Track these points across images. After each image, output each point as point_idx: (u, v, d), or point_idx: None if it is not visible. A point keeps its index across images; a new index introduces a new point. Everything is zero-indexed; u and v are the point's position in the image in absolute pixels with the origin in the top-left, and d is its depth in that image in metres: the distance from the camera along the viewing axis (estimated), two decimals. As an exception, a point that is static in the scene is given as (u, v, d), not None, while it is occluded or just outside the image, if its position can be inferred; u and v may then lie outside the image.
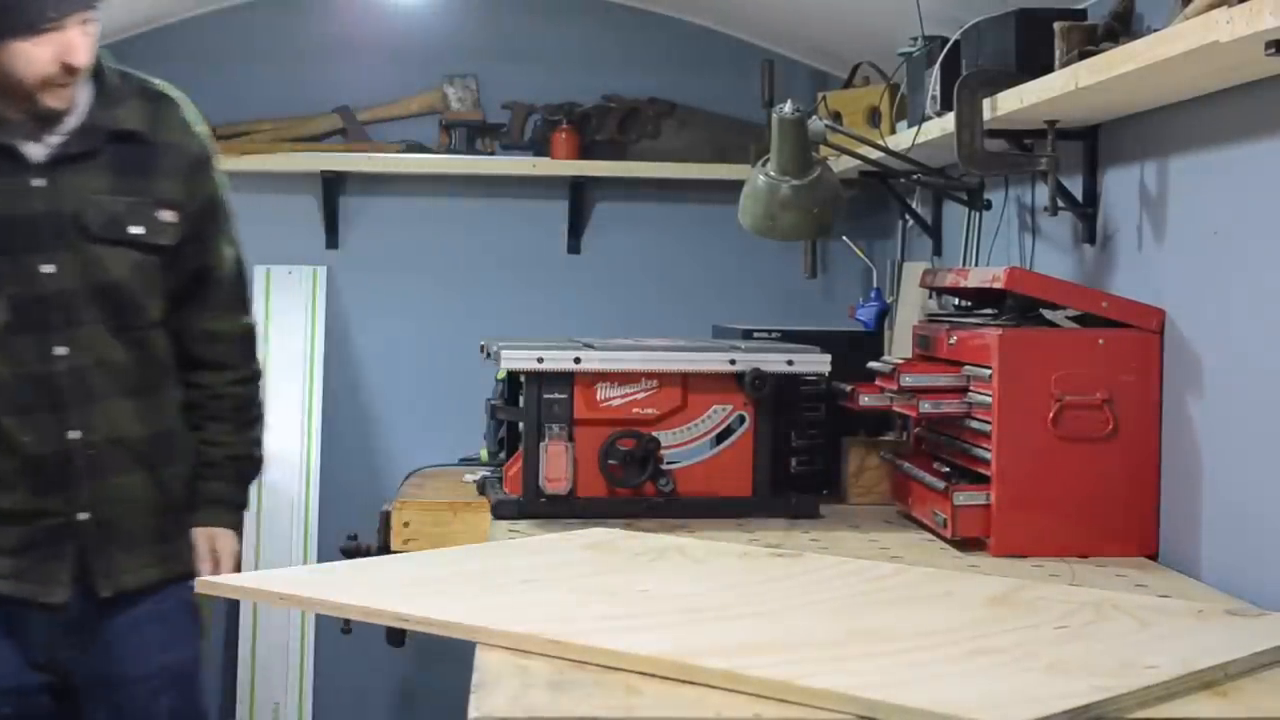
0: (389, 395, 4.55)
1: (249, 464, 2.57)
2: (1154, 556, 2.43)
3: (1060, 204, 2.68)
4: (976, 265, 3.32)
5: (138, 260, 2.38)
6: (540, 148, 4.46)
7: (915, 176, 3.31)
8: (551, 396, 2.75)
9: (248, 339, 2.58)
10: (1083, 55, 2.36)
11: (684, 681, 1.58)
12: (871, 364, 2.84)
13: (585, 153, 4.43)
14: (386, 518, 3.30)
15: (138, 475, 2.39)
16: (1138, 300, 2.48)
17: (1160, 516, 2.45)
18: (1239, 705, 1.55)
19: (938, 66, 3.03)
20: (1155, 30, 2.18)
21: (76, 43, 2.27)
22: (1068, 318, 2.54)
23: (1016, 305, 2.54)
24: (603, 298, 4.49)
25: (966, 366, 2.57)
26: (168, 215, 2.40)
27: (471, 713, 1.49)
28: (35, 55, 2.24)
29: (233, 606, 4.38)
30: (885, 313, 3.91)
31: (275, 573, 2.56)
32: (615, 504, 2.74)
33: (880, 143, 3.23)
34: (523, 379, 2.77)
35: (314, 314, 4.49)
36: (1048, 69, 2.47)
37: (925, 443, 2.83)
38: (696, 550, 2.33)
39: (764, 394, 2.79)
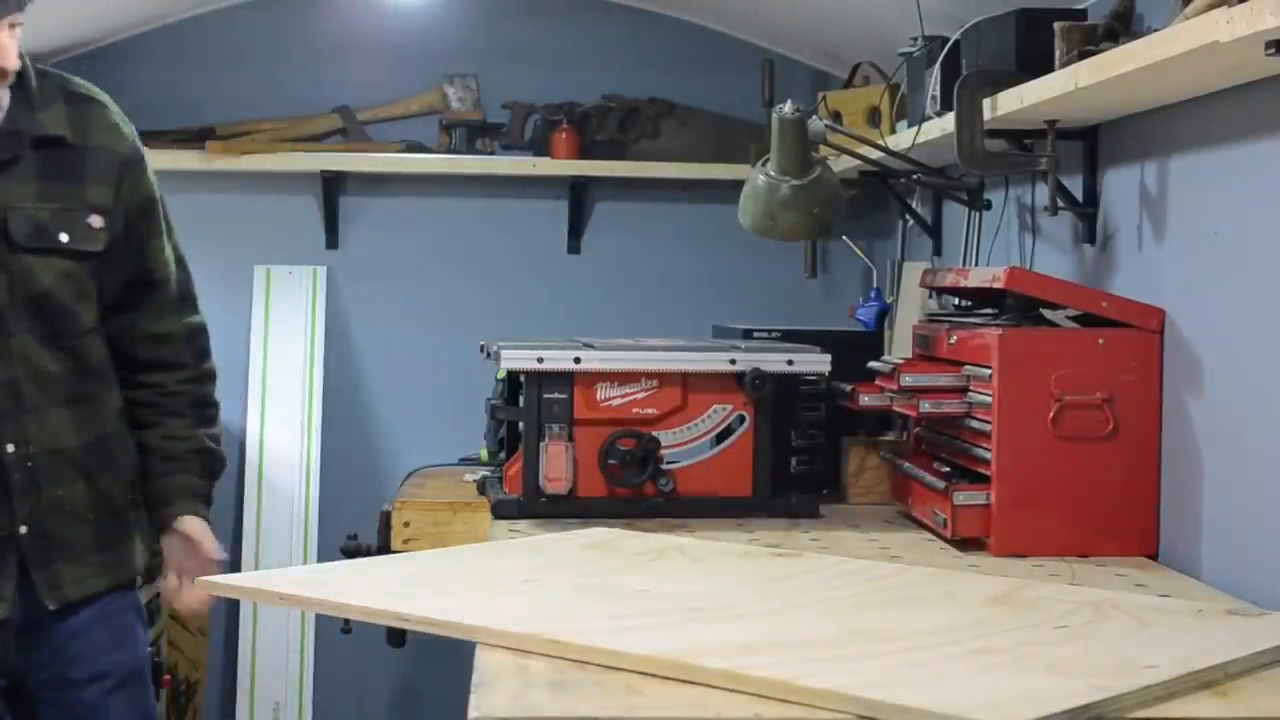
0: (389, 395, 4.56)
1: (212, 459, 2.50)
2: (1154, 556, 2.43)
3: (1060, 204, 2.68)
4: (976, 265, 3.32)
5: (67, 268, 2.31)
6: (540, 148, 4.46)
7: (915, 176, 3.31)
8: (551, 396, 2.75)
9: (197, 337, 2.51)
10: (1083, 55, 2.36)
11: (684, 681, 1.58)
12: (871, 364, 2.85)
13: (585, 153, 4.43)
14: (386, 518, 3.30)
15: (78, 485, 2.33)
16: (1138, 300, 2.48)
17: (1160, 516, 2.45)
18: (1239, 705, 1.55)
19: (938, 66, 3.03)
20: (1155, 30, 2.18)
21: (6, 45, 2.21)
22: (1068, 318, 2.54)
23: (1016, 305, 2.54)
24: (603, 298, 4.49)
25: (966, 366, 2.57)
26: (97, 221, 2.33)
27: (471, 713, 1.49)
28: None
29: (232, 606, 4.37)
30: (885, 313, 3.91)
31: (275, 573, 2.54)
32: (615, 504, 2.74)
33: (880, 143, 3.23)
34: (523, 379, 2.77)
35: (314, 314, 4.49)
36: (1048, 69, 2.47)
37: (925, 443, 2.83)
38: (696, 550, 2.33)
39: (764, 394, 2.79)
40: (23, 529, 2.28)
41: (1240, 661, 1.67)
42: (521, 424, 2.79)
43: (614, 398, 2.78)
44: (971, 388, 2.54)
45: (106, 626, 2.40)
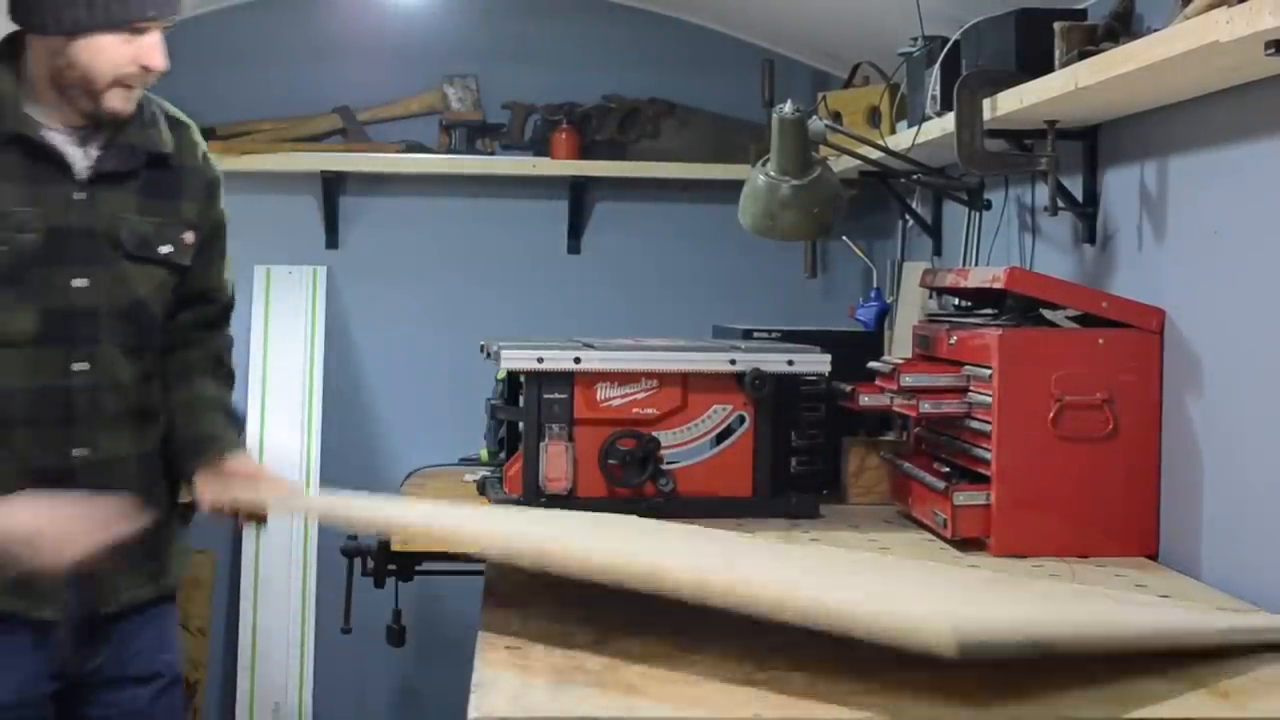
0: (389, 395, 4.55)
1: (240, 421, 2.58)
2: (1154, 556, 2.44)
3: (1060, 204, 2.68)
4: (976, 265, 3.32)
5: (162, 279, 2.39)
6: (540, 148, 4.46)
7: (915, 176, 3.31)
8: (551, 396, 2.75)
9: (229, 347, 2.60)
10: (1083, 55, 2.37)
11: (681, 674, 1.58)
12: (871, 364, 2.85)
13: (585, 153, 4.43)
14: (386, 518, 3.30)
15: (134, 495, 2.37)
16: (1138, 300, 2.48)
17: (1160, 516, 2.45)
18: (1239, 705, 1.55)
19: (938, 66, 3.03)
20: (1155, 30, 2.18)
21: (158, 47, 2.28)
22: (1068, 318, 2.54)
23: (1016, 305, 2.54)
24: (603, 298, 4.49)
25: (966, 366, 2.57)
26: (189, 236, 2.42)
27: (471, 713, 1.49)
28: (118, 52, 2.24)
29: (233, 607, 4.38)
30: (885, 313, 3.91)
31: (346, 497, 2.50)
32: (615, 504, 2.74)
33: (880, 143, 3.23)
34: (523, 379, 2.78)
35: (314, 314, 4.49)
36: (1048, 69, 2.47)
37: (925, 443, 2.83)
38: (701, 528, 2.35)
39: (764, 394, 2.79)
40: None
41: (1209, 634, 1.68)
42: (521, 424, 2.79)
43: (614, 398, 2.78)
44: (971, 388, 2.54)
45: (156, 629, 2.47)
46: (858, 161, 3.28)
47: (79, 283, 2.30)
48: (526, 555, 1.89)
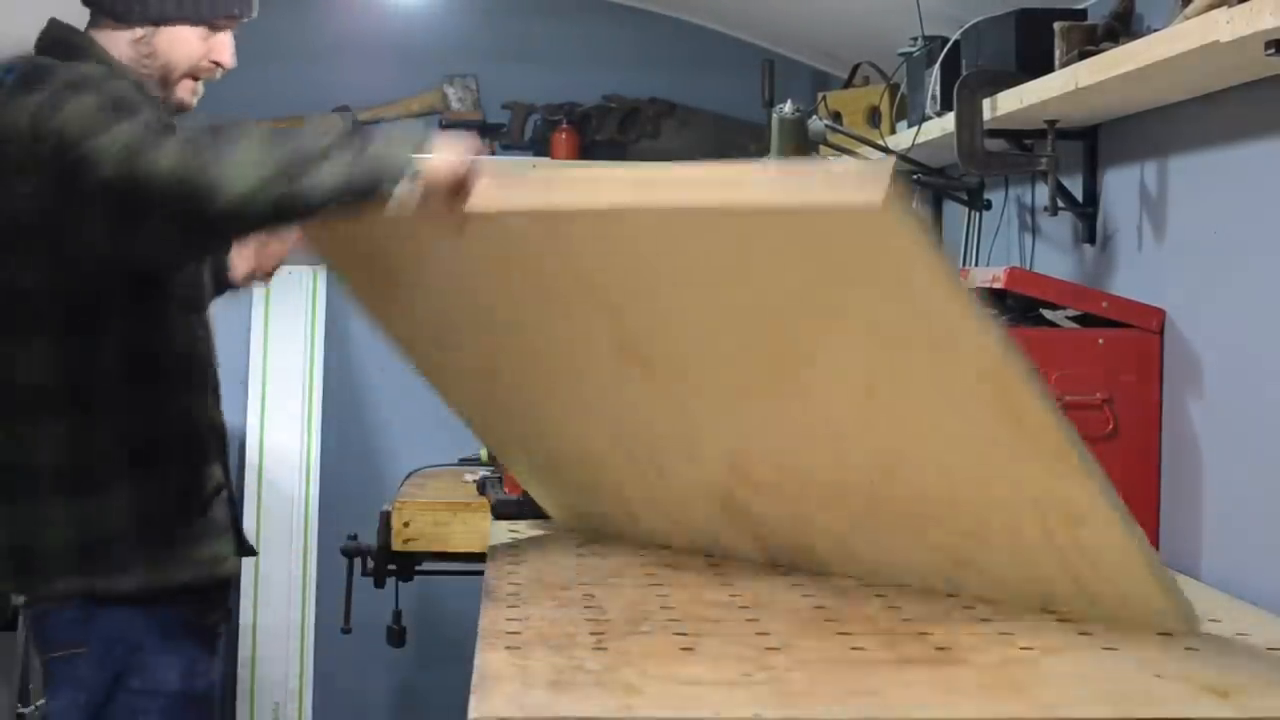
0: (389, 395, 4.55)
1: None
2: (1154, 556, 2.43)
3: (1060, 204, 2.68)
4: (976, 265, 3.32)
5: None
6: (540, 148, 4.46)
7: (915, 176, 3.31)
8: (551, 396, 2.74)
9: None
10: (1083, 55, 2.37)
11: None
12: (872, 364, 2.84)
13: (585, 153, 4.43)
14: (386, 518, 3.30)
15: None
16: (1138, 300, 2.48)
17: (1160, 516, 2.45)
18: (1239, 705, 1.55)
19: (938, 66, 3.03)
20: (1155, 30, 2.18)
21: (230, 45, 2.31)
22: (1068, 318, 2.54)
23: (1016, 305, 2.54)
24: (603, 298, 4.49)
25: (966, 366, 2.57)
26: None
27: (471, 713, 1.49)
28: (196, 46, 2.26)
29: (232, 606, 4.38)
30: (885, 313, 3.90)
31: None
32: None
33: (880, 143, 3.23)
34: (523, 379, 2.77)
35: (314, 314, 4.49)
36: (1048, 69, 2.47)
37: (925, 443, 2.83)
38: None
39: (764, 394, 2.78)
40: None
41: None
42: (521, 424, 2.78)
43: (614, 398, 2.77)
44: (971, 388, 2.54)
45: None
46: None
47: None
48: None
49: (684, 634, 1.82)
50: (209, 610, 2.23)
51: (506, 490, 2.80)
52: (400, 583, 3.41)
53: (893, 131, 3.45)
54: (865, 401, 1.86)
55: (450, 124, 4.48)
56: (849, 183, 1.62)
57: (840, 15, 3.94)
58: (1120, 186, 2.67)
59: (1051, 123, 2.63)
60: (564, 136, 4.40)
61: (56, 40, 2.23)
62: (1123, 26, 2.46)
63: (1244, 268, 2.22)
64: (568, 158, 4.40)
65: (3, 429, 2.15)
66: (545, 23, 4.53)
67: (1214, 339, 2.31)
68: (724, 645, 1.77)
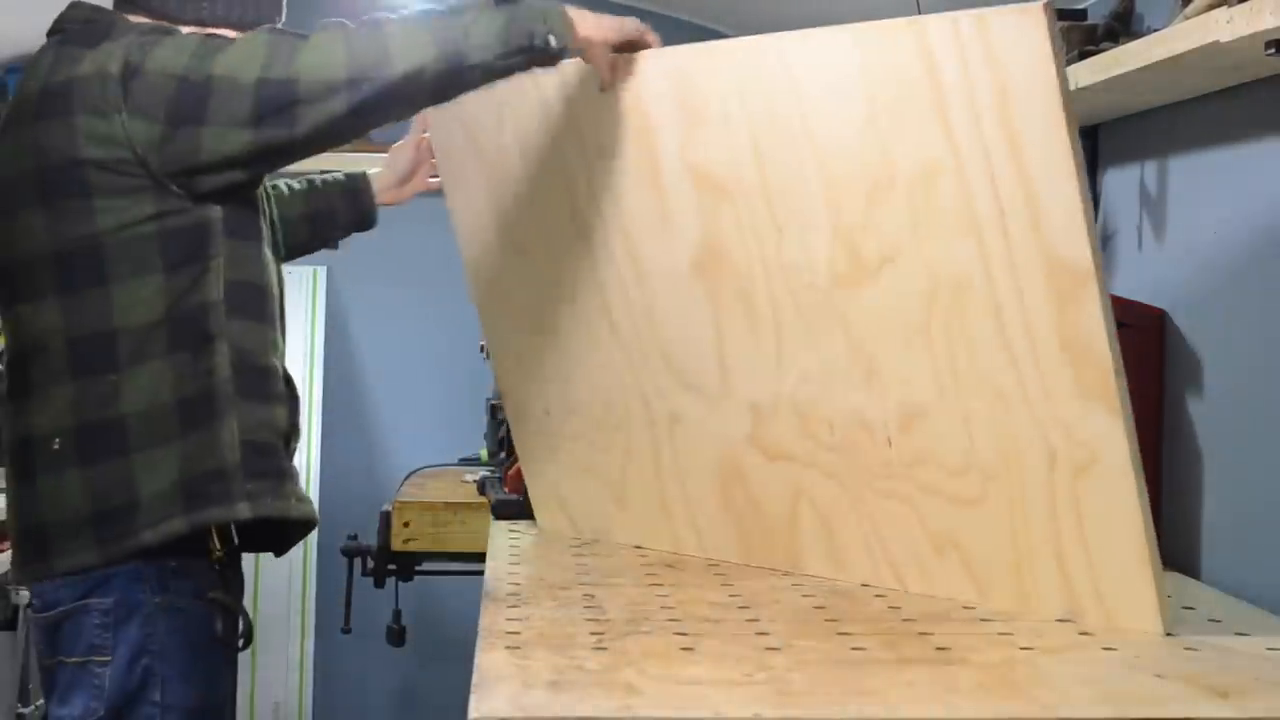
0: (389, 395, 4.55)
1: None
2: (1154, 556, 2.43)
3: (1060, 204, 2.68)
4: (976, 265, 3.31)
5: None
6: (540, 148, 4.46)
7: (915, 176, 3.31)
8: (551, 396, 2.74)
9: None
10: (1083, 55, 2.36)
11: (685, 684, 1.58)
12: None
13: (585, 153, 4.43)
14: (386, 518, 3.30)
15: None
16: (1138, 300, 2.48)
17: (1160, 516, 2.45)
18: (1239, 705, 1.55)
19: (938, 66, 3.03)
20: (1155, 30, 2.18)
21: None
22: (1068, 318, 2.53)
23: (1016, 305, 2.54)
24: (603, 298, 4.49)
25: (966, 366, 2.57)
26: None
27: (471, 713, 1.49)
28: None
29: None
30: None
31: None
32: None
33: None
34: (523, 379, 2.77)
35: (314, 314, 4.49)
36: (1048, 69, 2.47)
37: (925, 443, 2.83)
38: None
39: (764, 394, 2.78)
40: None
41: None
42: (521, 424, 2.78)
43: (614, 398, 2.77)
44: (971, 388, 2.54)
45: None
46: (858, 161, 3.28)
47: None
48: None
49: (684, 634, 1.82)
50: (234, 626, 2.22)
51: (506, 490, 2.80)
52: (400, 583, 3.41)
53: (893, 131, 3.44)
54: (921, 321, 1.92)
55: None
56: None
57: (840, 15, 3.93)
58: (1120, 186, 2.66)
59: (1051, 123, 2.63)
60: (564, 136, 4.40)
61: (90, 20, 2.19)
62: (1123, 26, 2.46)
63: (1244, 268, 2.22)
64: (568, 157, 4.40)
65: (108, 377, 2.10)
66: (545, 23, 4.52)
67: (1214, 339, 2.31)
68: (724, 645, 1.77)
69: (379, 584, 3.36)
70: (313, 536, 4.39)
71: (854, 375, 2.01)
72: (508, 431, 2.93)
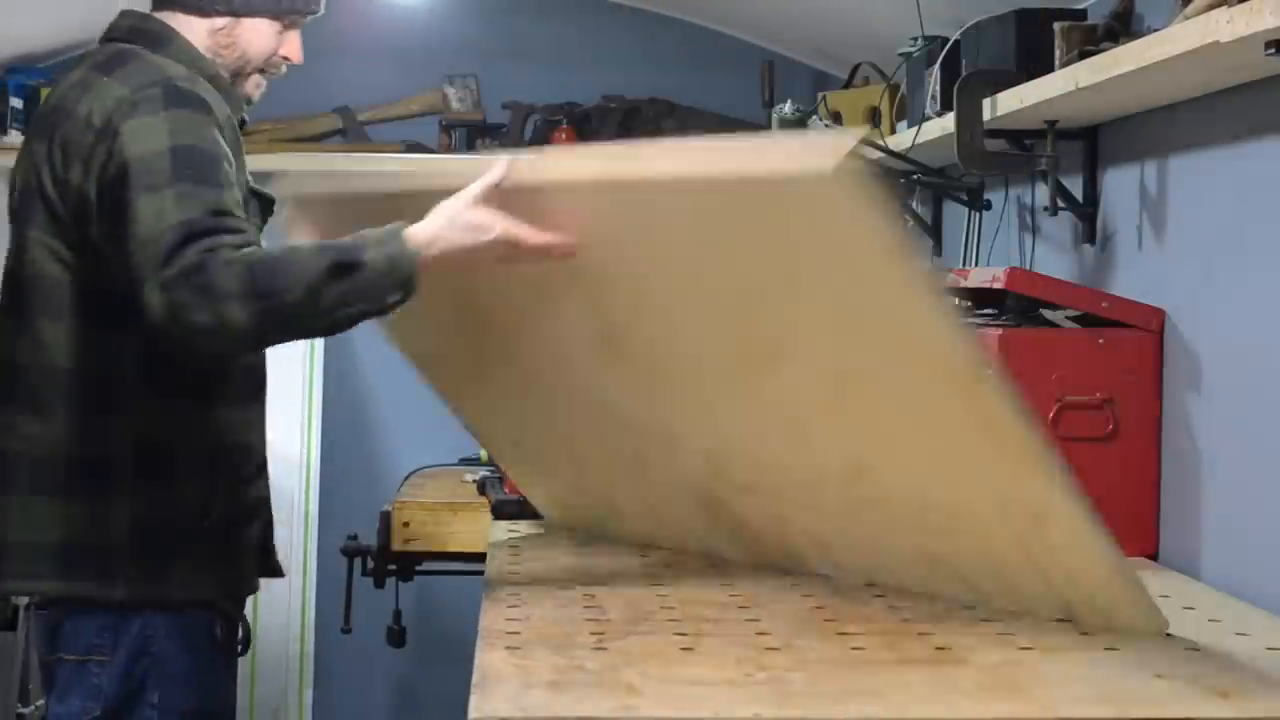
0: (389, 395, 4.55)
1: None
2: (1154, 557, 2.43)
3: (1060, 204, 2.68)
4: (976, 265, 3.32)
5: None
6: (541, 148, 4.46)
7: (915, 176, 3.31)
8: (551, 396, 2.74)
9: None
10: (1083, 55, 2.36)
11: (687, 684, 1.58)
12: (871, 364, 2.84)
13: (585, 153, 4.43)
14: (386, 518, 3.30)
15: None
16: (1138, 300, 2.48)
17: (1160, 516, 2.45)
18: (1239, 705, 1.55)
19: (938, 66, 3.03)
20: (1155, 30, 2.18)
21: (299, 43, 2.33)
22: (1068, 318, 2.54)
23: (1016, 305, 2.54)
24: (603, 298, 4.48)
25: (966, 366, 2.56)
26: None
27: (471, 713, 1.49)
28: (271, 40, 2.27)
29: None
30: (885, 313, 3.90)
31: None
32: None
33: (880, 143, 3.23)
34: (523, 379, 2.77)
35: (314, 314, 4.49)
36: (1048, 69, 2.47)
37: (925, 443, 2.83)
38: None
39: (764, 394, 2.78)
40: None
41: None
42: (521, 424, 2.78)
43: (614, 398, 2.77)
44: (971, 388, 2.54)
45: None
46: (858, 161, 3.28)
47: None
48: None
49: (684, 634, 1.82)
50: (234, 632, 2.21)
51: (506, 490, 2.80)
52: (400, 583, 3.41)
53: (893, 131, 3.45)
54: (834, 400, 1.86)
55: (451, 124, 4.48)
56: (805, 151, 1.61)
57: (840, 15, 3.94)
58: (1120, 186, 2.66)
59: (1051, 123, 2.63)
60: (564, 137, 4.40)
61: (134, 28, 2.21)
62: (1123, 26, 2.45)
63: (1244, 268, 2.22)
64: (568, 158, 4.40)
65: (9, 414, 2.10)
66: (545, 23, 4.53)
67: (1214, 339, 2.31)
68: (724, 645, 1.77)
69: (379, 584, 3.36)
70: (313, 536, 4.40)
71: (791, 437, 1.98)
72: (508, 431, 2.93)
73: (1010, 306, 2.55)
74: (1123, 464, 2.44)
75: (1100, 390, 2.43)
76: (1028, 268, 3.02)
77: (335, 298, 1.90)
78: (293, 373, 4.45)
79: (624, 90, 4.49)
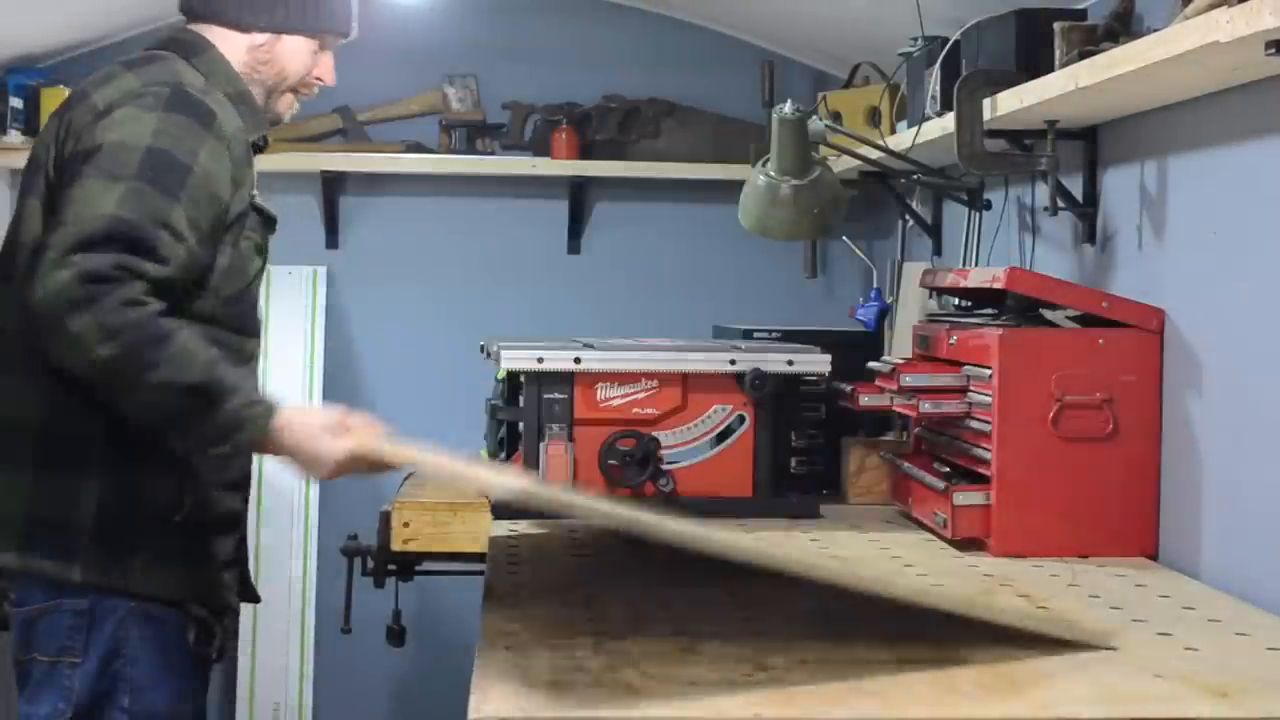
0: (389, 395, 4.55)
1: None
2: (1154, 556, 2.43)
3: (1060, 204, 2.68)
4: (976, 265, 3.32)
5: None
6: (540, 148, 4.46)
7: (915, 176, 3.31)
8: (551, 396, 2.75)
9: None
10: (1083, 55, 2.37)
11: (687, 684, 1.58)
12: (871, 364, 2.84)
13: (585, 153, 4.43)
14: (386, 518, 3.29)
15: None
16: (1138, 300, 2.48)
17: (1160, 516, 2.45)
18: (1239, 705, 1.55)
19: (938, 66, 3.03)
20: (1155, 30, 2.18)
21: (333, 64, 2.39)
22: (1068, 318, 2.54)
23: (1016, 305, 2.54)
24: (603, 298, 4.49)
25: (966, 366, 2.57)
26: None
27: (471, 713, 1.49)
28: (307, 59, 2.32)
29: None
30: (885, 313, 3.91)
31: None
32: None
33: (880, 143, 3.23)
34: (523, 379, 2.78)
35: (314, 314, 4.49)
36: (1048, 69, 2.47)
37: (925, 443, 2.83)
38: None
39: (764, 394, 2.79)
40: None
41: None
42: (521, 424, 2.79)
43: (614, 398, 2.78)
44: (971, 388, 2.54)
45: None
46: (858, 162, 3.28)
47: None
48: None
49: (684, 634, 1.82)
50: (209, 639, 2.21)
51: (506, 490, 2.80)
52: (400, 583, 3.40)
53: (893, 131, 3.45)
54: None
55: (451, 124, 4.48)
56: None
57: (840, 15, 3.94)
58: (1120, 186, 2.66)
59: (1051, 123, 2.63)
60: (564, 136, 4.40)
61: (172, 37, 2.26)
62: (1123, 26, 2.46)
63: (1244, 268, 2.22)
64: (567, 158, 4.40)
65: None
66: (545, 23, 4.53)
67: (1214, 339, 2.31)
68: (724, 645, 1.77)
69: (379, 584, 3.36)
70: (312, 536, 4.40)
71: None
72: (508, 431, 2.93)
73: (1010, 306, 2.55)
74: (1123, 464, 2.44)
75: (1100, 390, 2.43)
76: (1028, 268, 3.02)
77: (176, 407, 1.93)
78: (293, 373, 4.45)
79: (624, 90, 4.49)
